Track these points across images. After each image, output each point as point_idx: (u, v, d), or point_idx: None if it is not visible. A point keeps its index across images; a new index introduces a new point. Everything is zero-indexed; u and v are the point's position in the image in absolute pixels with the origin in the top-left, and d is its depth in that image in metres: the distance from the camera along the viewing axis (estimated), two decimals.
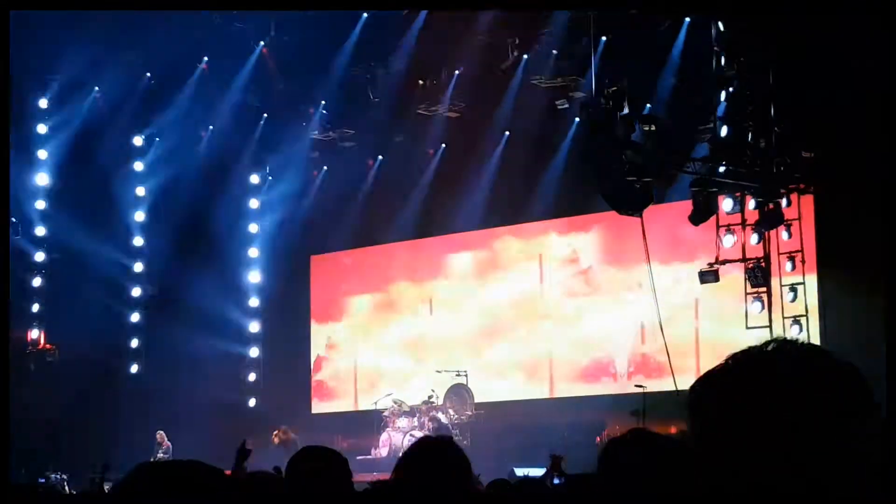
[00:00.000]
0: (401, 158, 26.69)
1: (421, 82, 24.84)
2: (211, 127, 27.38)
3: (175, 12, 23.42)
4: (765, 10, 19.12)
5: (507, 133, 25.33)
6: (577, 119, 23.75)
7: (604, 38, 21.93)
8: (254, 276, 29.26)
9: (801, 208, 20.87)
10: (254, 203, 29.15)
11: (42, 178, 27.07)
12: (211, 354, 27.23)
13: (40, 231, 27.10)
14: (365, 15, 23.94)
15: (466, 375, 25.44)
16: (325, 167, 27.92)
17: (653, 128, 18.82)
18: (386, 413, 24.93)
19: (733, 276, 21.42)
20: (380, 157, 27.27)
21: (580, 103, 23.00)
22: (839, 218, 20.96)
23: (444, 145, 26.41)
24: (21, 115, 25.22)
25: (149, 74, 26.24)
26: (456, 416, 24.55)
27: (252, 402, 28.58)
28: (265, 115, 26.99)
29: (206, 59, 25.87)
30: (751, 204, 20.44)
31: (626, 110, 18.65)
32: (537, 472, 17.14)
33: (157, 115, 27.18)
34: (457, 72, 24.38)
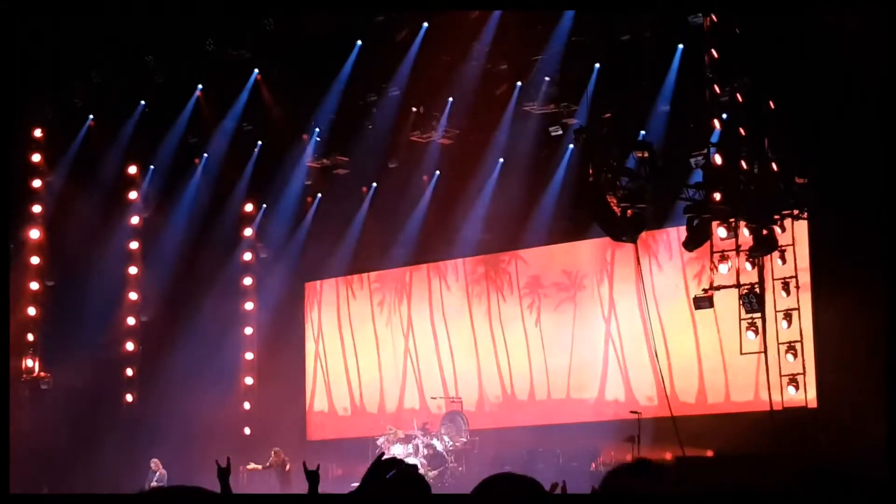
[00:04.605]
0: (395, 185, 26.69)
1: (415, 109, 24.86)
2: (206, 154, 27.38)
3: (170, 40, 23.52)
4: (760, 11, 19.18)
5: (501, 160, 25.34)
6: (571, 145, 23.77)
7: (597, 65, 21.99)
8: (248, 305, 29.20)
9: (795, 234, 20.89)
10: (248, 231, 29.12)
11: (37, 208, 27.10)
12: (205, 383, 27.14)
13: (35, 260, 27.09)
14: (359, 42, 24.00)
15: (461, 402, 25.43)
16: (319, 194, 27.90)
17: (646, 154, 18.87)
18: (380, 440, 24.91)
19: (728, 302, 21.42)
20: (374, 183, 27.26)
21: (574, 130, 23.05)
22: (833, 244, 20.97)
23: (437, 172, 26.42)
24: (16, 144, 25.28)
25: (143, 102, 26.28)
26: (451, 443, 24.53)
27: (247, 431, 28.50)
28: (259, 142, 27.00)
29: (200, 86, 25.91)
30: (745, 230, 20.45)
31: (619, 137, 18.72)
32: None
33: (152, 143, 27.20)
34: (450, 98, 24.41)
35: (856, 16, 17.65)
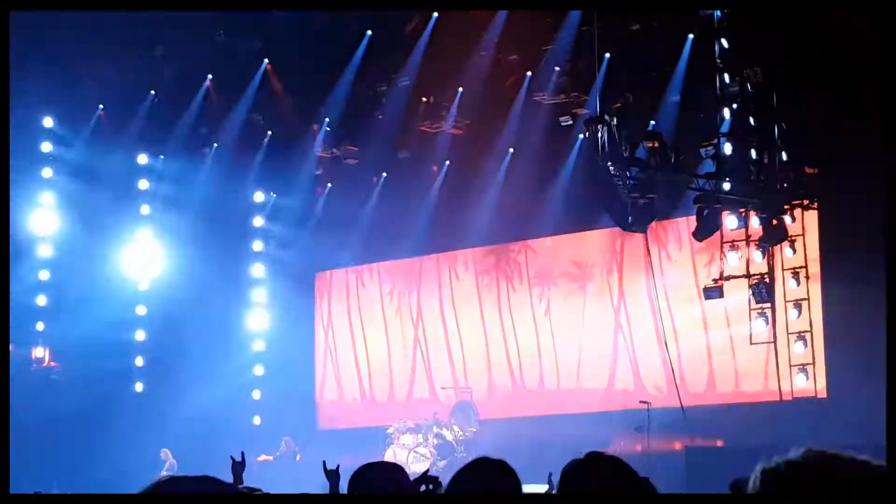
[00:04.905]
0: (405, 175, 26.71)
1: (425, 99, 24.87)
2: (216, 144, 27.40)
3: (179, 30, 23.51)
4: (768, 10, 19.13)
5: (511, 150, 25.35)
6: (582, 136, 23.75)
7: (607, 55, 21.96)
8: (258, 294, 29.25)
9: (804, 224, 20.89)
10: (258, 220, 29.16)
11: (47, 197, 27.15)
12: (215, 373, 27.17)
13: (45, 250, 27.13)
14: (370, 32, 23.99)
15: (471, 392, 25.44)
16: (330, 184, 27.94)
17: (656, 145, 18.85)
18: (391, 430, 24.94)
19: (738, 292, 21.42)
20: (384, 174, 27.28)
21: (584, 120, 23.02)
22: (843, 234, 20.97)
23: (448, 162, 26.43)
24: (26, 133, 25.28)
25: (153, 92, 26.30)
26: (461, 433, 24.55)
27: (257, 420, 28.56)
28: (270, 132, 27.02)
29: (210, 76, 25.92)
30: (754, 220, 20.45)
31: (629, 127, 18.71)
32: (541, 488, 17.12)
33: (162, 133, 27.24)
34: (460, 89, 24.41)
35: (863, 13, 17.63)
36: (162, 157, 28.00)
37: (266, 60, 25.21)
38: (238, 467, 8.53)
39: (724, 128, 20.15)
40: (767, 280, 20.77)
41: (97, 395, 26.38)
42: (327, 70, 24.81)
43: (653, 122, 21.72)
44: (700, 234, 20.62)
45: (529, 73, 23.75)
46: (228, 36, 24.40)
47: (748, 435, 20.91)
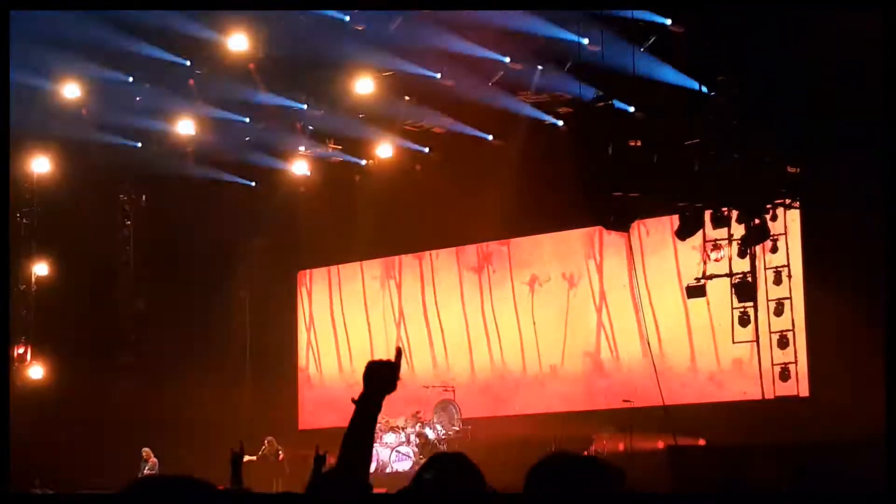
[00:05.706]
0: (387, 173, 26.68)
1: (407, 97, 24.85)
2: (193, 131, 27.35)
3: (162, 25, 23.43)
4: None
5: (493, 147, 25.33)
6: (564, 133, 23.74)
7: (591, 53, 21.92)
8: (240, 292, 29.16)
9: (787, 223, 20.90)
10: (241, 218, 29.07)
11: (30, 191, 27.10)
12: (197, 371, 27.11)
13: (29, 247, 27.09)
14: (347, 18, 23.76)
15: (454, 391, 25.42)
16: (311, 178, 27.84)
17: (639, 144, 18.85)
18: None
19: (721, 291, 21.43)
20: (366, 171, 27.24)
21: (567, 119, 23.03)
22: (825, 233, 21.00)
23: (430, 160, 26.40)
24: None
25: (131, 80, 26.15)
26: (444, 432, 24.54)
27: (239, 419, 28.47)
28: (253, 129, 26.95)
29: (189, 64, 25.76)
30: (737, 219, 20.46)
31: (611, 126, 18.72)
32: None
33: (146, 129, 27.19)
34: (441, 82, 24.39)
35: (845, 12, 17.65)
36: (139, 143, 27.98)
37: (246, 46, 24.94)
38: (237, 458, 8.44)
39: (708, 127, 20.17)
40: (750, 279, 20.77)
41: (81, 394, 26.32)
42: (310, 66, 24.74)
43: (632, 108, 21.70)
44: (682, 233, 20.63)
45: (508, 60, 23.65)
46: (212, 31, 24.33)
47: (730, 434, 20.94)
